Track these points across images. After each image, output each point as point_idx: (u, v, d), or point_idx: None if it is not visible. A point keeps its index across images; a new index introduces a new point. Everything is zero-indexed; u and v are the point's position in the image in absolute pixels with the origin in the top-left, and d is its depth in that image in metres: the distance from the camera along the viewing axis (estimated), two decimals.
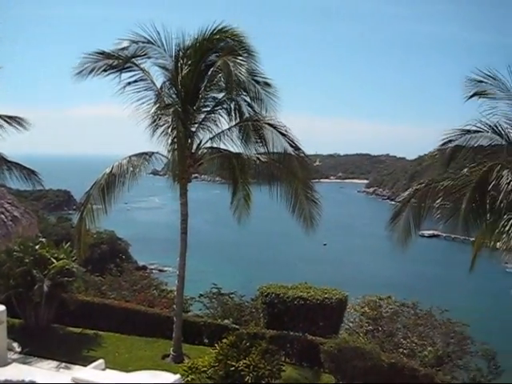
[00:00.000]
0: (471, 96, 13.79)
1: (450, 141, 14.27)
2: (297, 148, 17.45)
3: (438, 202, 13.71)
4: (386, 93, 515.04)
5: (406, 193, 14.54)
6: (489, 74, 13.40)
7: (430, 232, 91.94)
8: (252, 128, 17.44)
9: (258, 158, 18.02)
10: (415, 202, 14.03)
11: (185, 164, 17.66)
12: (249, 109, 17.80)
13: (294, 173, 17.30)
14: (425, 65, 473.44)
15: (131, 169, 17.56)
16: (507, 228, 11.44)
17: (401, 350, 19.96)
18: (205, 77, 17.38)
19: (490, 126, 13.73)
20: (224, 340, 15.18)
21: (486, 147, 14.14)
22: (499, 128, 13.64)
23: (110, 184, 17.32)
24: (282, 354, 17.51)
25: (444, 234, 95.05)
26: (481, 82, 13.52)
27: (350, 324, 22.25)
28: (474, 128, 13.91)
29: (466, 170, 13.58)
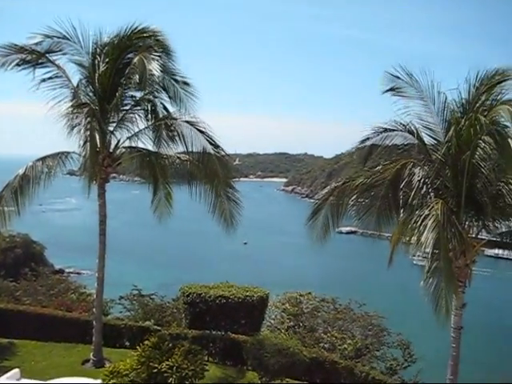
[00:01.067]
0: (388, 90, 14.23)
1: (367, 139, 14.74)
2: (216, 146, 17.44)
3: (353, 199, 14.13)
4: (303, 92, 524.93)
5: (324, 191, 14.86)
6: (406, 71, 13.89)
7: (348, 229, 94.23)
8: (170, 126, 17.31)
9: (178, 157, 17.92)
10: (333, 200, 14.37)
11: (100, 163, 17.29)
12: (165, 108, 17.70)
13: (214, 171, 17.32)
14: (343, 65, 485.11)
15: (46, 170, 17.08)
16: (418, 223, 11.96)
17: (321, 344, 20.49)
18: (122, 75, 17.05)
19: (403, 125, 14.30)
20: (146, 342, 15.00)
21: (399, 146, 14.71)
22: (412, 127, 14.23)
23: (23, 185, 16.74)
24: (205, 353, 17.52)
25: (361, 231, 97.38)
26: (398, 78, 13.99)
27: (272, 321, 22.58)
28: (390, 127, 14.43)
29: (379, 167, 14.00)
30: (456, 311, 13.51)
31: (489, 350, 46.22)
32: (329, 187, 14.81)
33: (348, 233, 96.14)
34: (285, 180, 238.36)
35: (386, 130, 14.50)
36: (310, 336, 21.03)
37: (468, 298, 13.79)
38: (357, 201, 14.24)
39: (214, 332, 19.21)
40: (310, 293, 24.13)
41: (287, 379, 17.02)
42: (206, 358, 17.11)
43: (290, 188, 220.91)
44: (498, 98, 12.76)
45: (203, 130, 17.29)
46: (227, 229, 18.14)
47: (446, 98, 13.75)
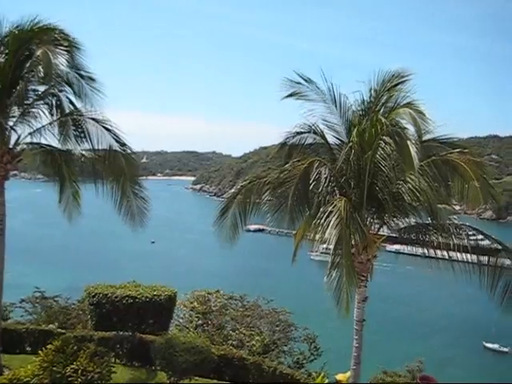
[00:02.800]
0: (288, 95, 14.54)
1: (285, 143, 15.06)
2: (122, 144, 17.13)
3: (264, 196, 14.33)
4: (212, 91, 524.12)
5: (233, 189, 14.94)
6: (305, 77, 14.26)
7: (256, 226, 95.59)
8: (74, 123, 16.79)
9: (83, 155, 17.42)
10: (241, 198, 14.51)
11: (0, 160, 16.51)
12: (71, 104, 17.16)
13: (121, 169, 16.99)
14: (253, 66, 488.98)
15: None
16: (322, 220, 12.34)
17: (230, 341, 20.70)
18: (24, 68, 16.34)
19: (309, 126, 14.69)
20: (49, 346, 14.44)
21: (308, 146, 15.11)
22: (317, 129, 14.66)
23: None
24: (112, 355, 17.14)
25: (269, 228, 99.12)
26: (299, 83, 14.34)
27: (180, 320, 22.53)
28: (300, 130, 14.78)
29: (287, 165, 14.26)
30: (358, 304, 14.07)
31: (389, 340, 48.52)
32: (237, 185, 14.91)
33: (256, 231, 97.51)
34: (193, 178, 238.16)
35: (298, 133, 14.86)
36: (218, 334, 21.18)
37: (369, 292, 14.38)
38: (267, 199, 14.43)
39: (121, 333, 18.87)
40: (218, 291, 24.26)
41: (196, 378, 17.06)
42: (112, 360, 16.77)
43: (198, 186, 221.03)
44: (398, 100, 13.39)
45: (109, 127, 16.92)
46: (135, 227, 17.84)
47: (346, 100, 14.31)
